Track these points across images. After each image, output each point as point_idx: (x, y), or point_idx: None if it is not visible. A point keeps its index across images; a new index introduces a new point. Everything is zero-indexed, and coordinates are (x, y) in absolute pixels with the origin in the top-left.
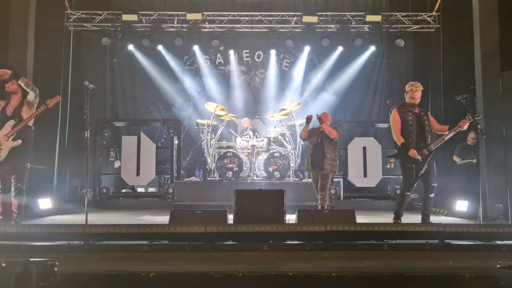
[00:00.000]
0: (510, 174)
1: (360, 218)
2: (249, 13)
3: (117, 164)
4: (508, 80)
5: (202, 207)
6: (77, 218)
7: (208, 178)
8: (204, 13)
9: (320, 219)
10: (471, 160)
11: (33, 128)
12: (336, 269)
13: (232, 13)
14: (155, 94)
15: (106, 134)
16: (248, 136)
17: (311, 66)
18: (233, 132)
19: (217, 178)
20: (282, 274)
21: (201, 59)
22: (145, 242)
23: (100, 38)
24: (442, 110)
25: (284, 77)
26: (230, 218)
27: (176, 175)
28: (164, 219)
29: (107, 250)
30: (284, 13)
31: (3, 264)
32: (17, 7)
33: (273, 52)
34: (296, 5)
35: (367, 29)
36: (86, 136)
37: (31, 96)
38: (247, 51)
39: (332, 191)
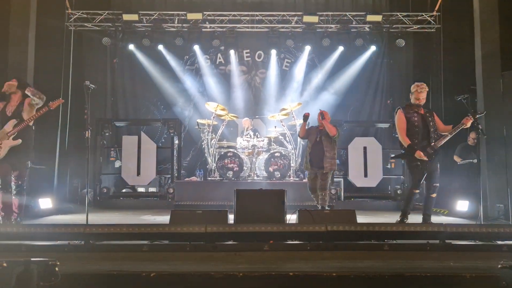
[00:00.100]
0: (510, 174)
1: (361, 218)
2: (250, 13)
3: (117, 164)
4: (509, 80)
5: (202, 207)
6: (78, 218)
7: (209, 178)
8: (204, 13)
9: (320, 219)
10: (471, 160)
11: (33, 128)
12: (337, 269)
13: (233, 13)
14: (155, 94)
15: (107, 134)
16: (248, 136)
17: (312, 66)
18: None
19: (218, 178)
20: (283, 274)
21: (202, 59)
22: (145, 242)
23: (100, 38)
24: (443, 110)
25: (284, 77)
26: (231, 218)
27: (176, 175)
28: (164, 219)
29: (107, 250)
30: (284, 13)
31: (4, 264)
32: (18, 7)
33: (273, 52)
34: (297, 5)
35: (367, 29)
36: (86, 136)
37: (37, 102)
38: (248, 51)
39: (333, 191)
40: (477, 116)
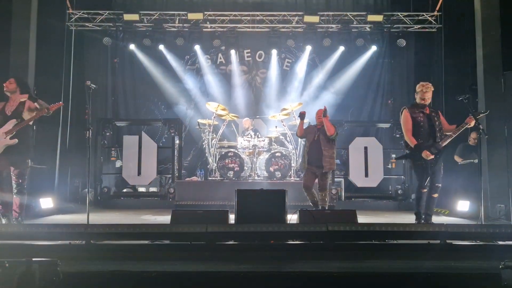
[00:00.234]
0: (511, 174)
1: (362, 218)
2: (251, 13)
3: (118, 163)
4: (510, 80)
5: (203, 207)
6: (79, 218)
7: (209, 178)
8: (205, 13)
9: (321, 219)
10: (472, 160)
11: (34, 128)
12: (338, 269)
13: (234, 13)
14: (156, 93)
15: (108, 133)
16: (249, 136)
17: (313, 66)
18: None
19: (218, 178)
20: (284, 274)
21: (203, 59)
22: (146, 242)
23: (101, 38)
24: (444, 110)
25: (285, 77)
26: (232, 218)
27: (177, 174)
28: (165, 219)
29: (108, 250)
30: (285, 13)
31: (6, 264)
32: (19, 7)
33: (274, 52)
34: (298, 5)
35: (368, 29)
36: (87, 135)
37: (41, 107)
38: (248, 50)
39: (333, 191)
40: (480, 115)
